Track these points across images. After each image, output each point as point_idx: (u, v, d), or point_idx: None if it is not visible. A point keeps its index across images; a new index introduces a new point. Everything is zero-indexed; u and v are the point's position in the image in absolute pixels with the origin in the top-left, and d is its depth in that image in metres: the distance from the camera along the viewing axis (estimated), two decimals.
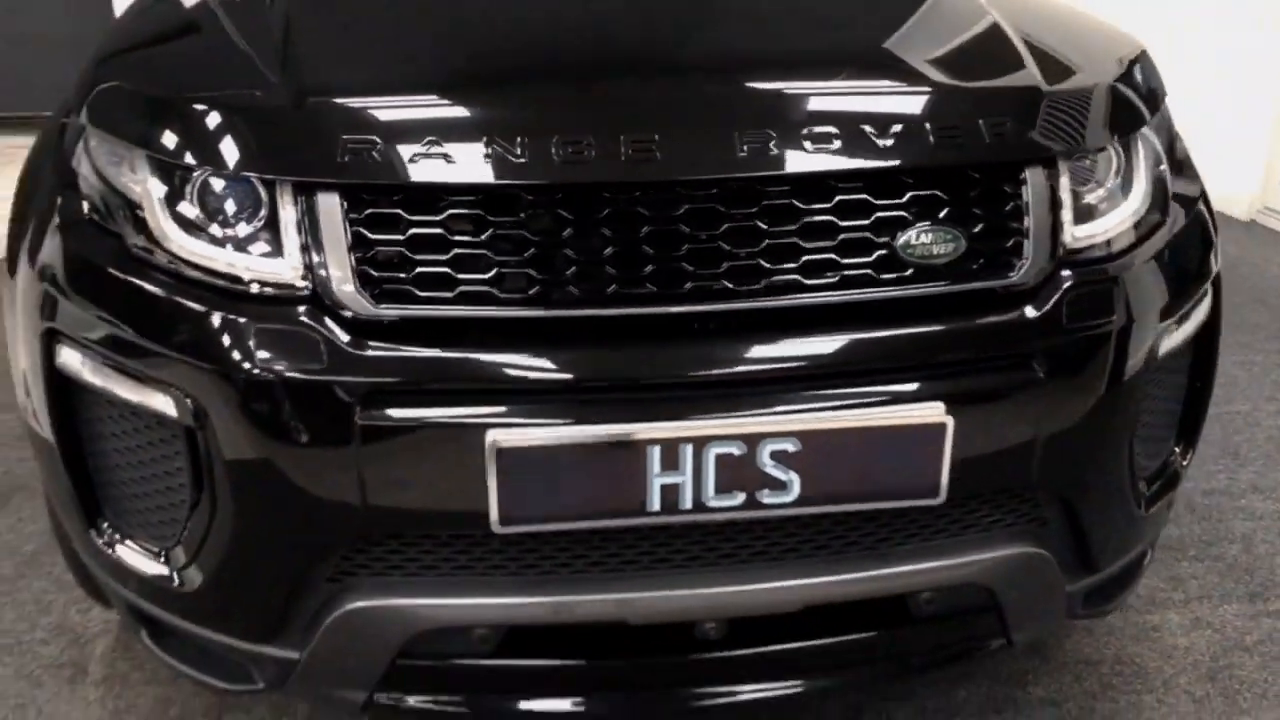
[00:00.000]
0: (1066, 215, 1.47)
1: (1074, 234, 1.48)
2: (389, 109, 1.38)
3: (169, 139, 1.40)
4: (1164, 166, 1.65)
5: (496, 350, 1.32)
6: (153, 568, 1.51)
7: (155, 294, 1.38)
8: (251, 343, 1.32)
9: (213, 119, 1.39)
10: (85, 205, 1.50)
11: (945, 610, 1.54)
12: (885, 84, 1.52)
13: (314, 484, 1.34)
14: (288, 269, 1.34)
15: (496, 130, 1.32)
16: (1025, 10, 1.84)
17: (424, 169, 1.31)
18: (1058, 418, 1.45)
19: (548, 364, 1.32)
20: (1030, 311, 1.42)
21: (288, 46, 1.51)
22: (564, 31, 1.69)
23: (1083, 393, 1.46)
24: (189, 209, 1.40)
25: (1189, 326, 1.64)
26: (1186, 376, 1.74)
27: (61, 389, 1.50)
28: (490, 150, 1.31)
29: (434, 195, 1.33)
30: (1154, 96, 1.69)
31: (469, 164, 1.31)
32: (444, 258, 1.33)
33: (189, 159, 1.38)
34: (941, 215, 1.40)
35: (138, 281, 1.40)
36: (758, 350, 1.36)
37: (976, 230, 1.42)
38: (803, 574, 1.43)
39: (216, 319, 1.34)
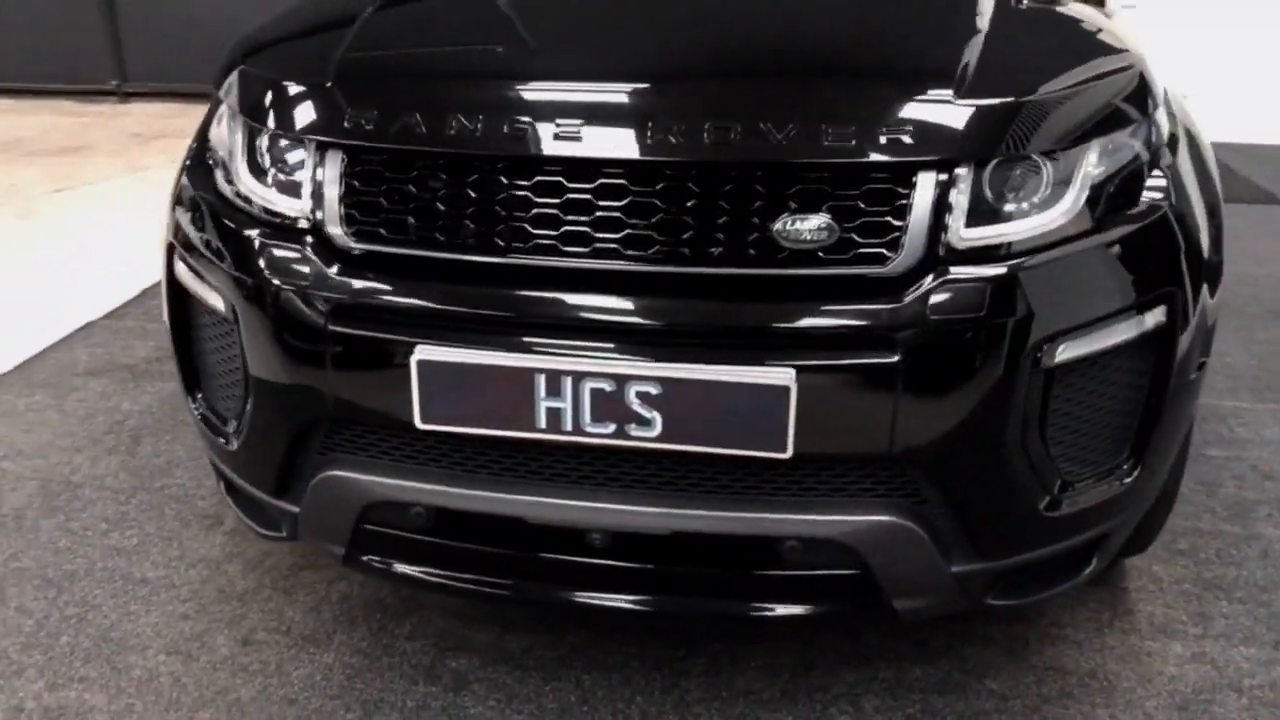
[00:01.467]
0: (957, 217, 1.60)
1: (962, 235, 1.60)
2: (382, 92, 1.76)
3: (252, 106, 1.86)
4: (1103, 178, 1.70)
5: (430, 283, 1.67)
6: (217, 432, 1.99)
7: (222, 219, 1.85)
8: (263, 259, 1.75)
9: (279, 92, 1.84)
10: (207, 154, 2.00)
11: (818, 564, 1.71)
12: (801, 83, 1.71)
13: (301, 374, 1.75)
14: (301, 208, 1.76)
15: (449, 111, 1.67)
16: (1026, 20, 1.94)
17: (399, 138, 1.68)
18: (917, 401, 1.59)
19: (466, 299, 1.65)
20: (896, 300, 1.58)
21: (350, 42, 1.93)
22: (527, 38, 2.00)
23: (947, 381, 1.59)
24: (258, 158, 1.85)
25: (1109, 339, 1.69)
26: (1134, 390, 1.78)
27: (173, 289, 2.01)
28: (444, 127, 1.66)
29: (407, 159, 1.69)
30: (1117, 114, 1.75)
31: (430, 136, 1.67)
32: (405, 209, 1.69)
33: (261, 121, 1.84)
34: (823, 207, 1.59)
35: (216, 208, 1.87)
36: (635, 304, 1.61)
37: (856, 223, 1.59)
38: (670, 504, 1.66)
39: (252, 241, 1.79)
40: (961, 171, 1.61)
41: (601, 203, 1.62)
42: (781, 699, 2.04)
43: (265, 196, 1.82)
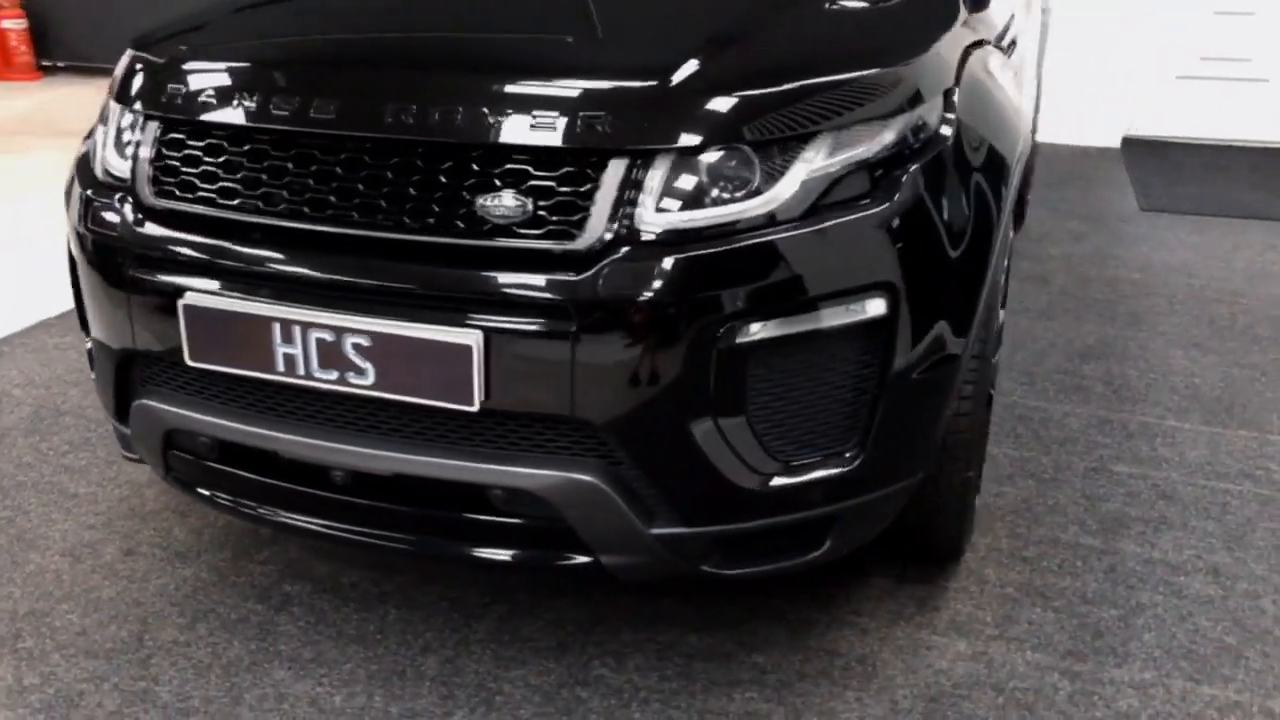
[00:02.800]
0: (648, 201, 1.72)
1: (654, 218, 1.72)
2: (186, 73, 2.01)
3: (117, 87, 2.15)
4: (824, 171, 1.77)
5: (200, 238, 1.91)
6: (90, 364, 2.30)
7: (80, 181, 2.16)
8: (90, 212, 2.04)
9: (129, 73, 2.12)
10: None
11: (525, 514, 1.85)
12: (519, 76, 1.85)
13: (116, 313, 2.03)
14: (127, 169, 2.04)
15: (229, 93, 1.91)
16: (797, 18, 2.04)
17: (191, 111, 1.93)
18: (595, 368, 1.72)
19: (225, 253, 1.89)
20: (576, 274, 1.71)
21: (186, 35, 2.20)
22: (310, 34, 2.26)
23: (624, 352, 1.71)
24: (113, 132, 2.14)
25: (812, 324, 1.76)
26: (854, 379, 1.85)
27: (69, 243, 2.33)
28: (224, 105, 1.90)
29: (201, 130, 1.94)
30: (852, 111, 1.81)
31: (216, 112, 1.91)
32: (194, 172, 1.94)
33: (117, 98, 2.13)
34: (522, 186, 1.74)
35: (84, 173, 2.18)
36: (358, 265, 1.81)
37: (551, 202, 1.73)
38: (387, 448, 1.85)
39: (89, 197, 2.08)
40: (658, 159, 1.73)
41: (341, 173, 1.82)
42: (555, 649, 2.19)
43: (108, 160, 2.11)
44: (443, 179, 1.77)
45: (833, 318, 1.79)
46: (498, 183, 1.75)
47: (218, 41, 2.23)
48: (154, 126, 2.00)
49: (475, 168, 1.76)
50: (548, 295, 1.72)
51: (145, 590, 2.38)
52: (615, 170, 1.72)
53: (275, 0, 2.51)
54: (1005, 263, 2.27)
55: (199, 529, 2.59)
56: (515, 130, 1.74)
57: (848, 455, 1.88)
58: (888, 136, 1.85)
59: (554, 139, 1.73)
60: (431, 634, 2.24)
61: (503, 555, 1.91)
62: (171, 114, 1.97)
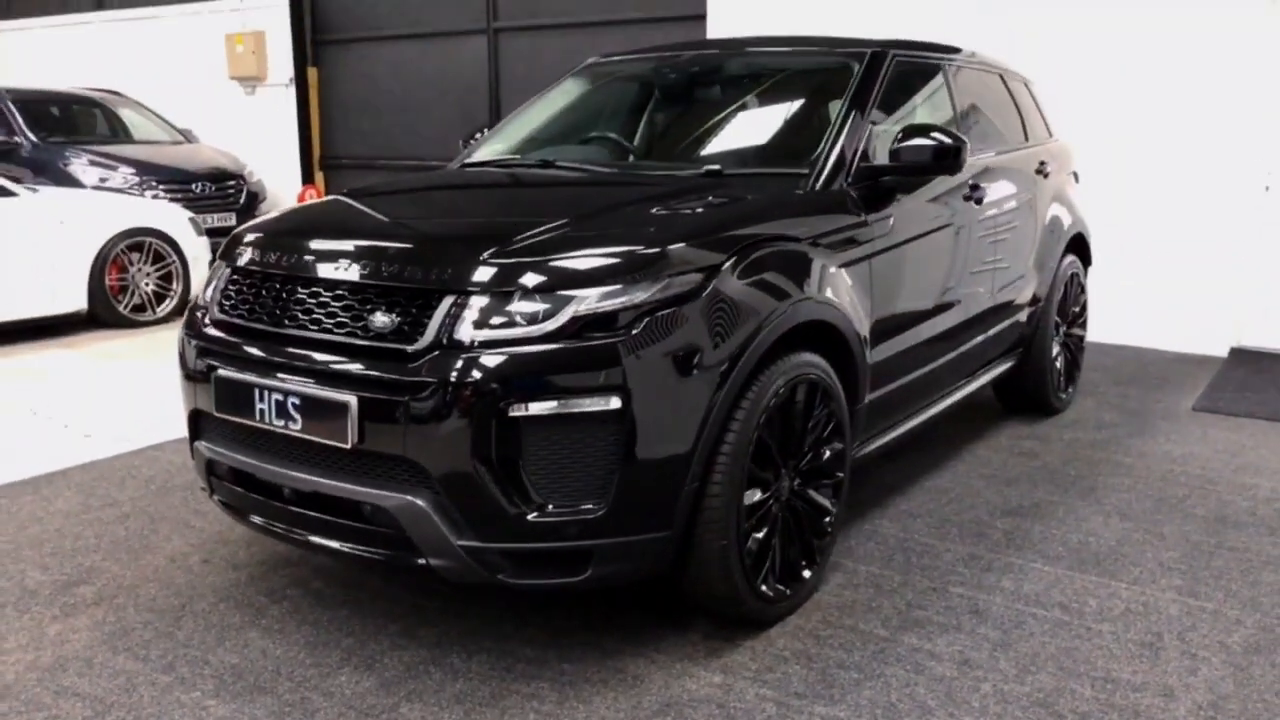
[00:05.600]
0: (466, 321, 2.72)
1: (468, 333, 2.70)
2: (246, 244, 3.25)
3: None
4: (587, 313, 2.70)
5: (228, 337, 3.09)
6: None
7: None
8: (189, 323, 3.30)
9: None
10: None
11: (388, 524, 2.81)
12: (406, 244, 2.94)
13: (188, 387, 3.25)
14: (208, 298, 3.29)
15: (266, 251, 3.12)
16: (620, 214, 3.04)
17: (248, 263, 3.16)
18: (419, 423, 2.69)
19: (235, 347, 3.05)
20: (414, 364, 2.72)
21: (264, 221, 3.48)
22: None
23: (435, 414, 2.68)
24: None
25: (566, 409, 2.66)
26: (597, 452, 2.70)
27: None
28: (265, 259, 3.12)
29: (248, 274, 3.16)
30: (612, 275, 2.75)
31: (260, 263, 3.13)
32: (241, 292, 3.15)
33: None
34: (393, 310, 2.80)
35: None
36: (295, 352, 2.90)
37: (406, 320, 2.78)
38: (301, 470, 2.89)
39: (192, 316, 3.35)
40: (474, 296, 2.74)
41: (306, 298, 2.96)
42: (431, 644, 3.08)
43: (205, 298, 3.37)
44: (353, 302, 2.87)
45: (580, 405, 2.68)
46: (380, 307, 2.82)
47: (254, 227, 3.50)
48: (225, 272, 3.25)
49: (372, 298, 2.84)
50: (392, 376, 2.73)
51: (204, 581, 3.50)
52: (445, 302, 2.74)
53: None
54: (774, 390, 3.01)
55: (257, 553, 3.71)
56: (393, 275, 2.81)
57: (590, 506, 2.72)
58: (639, 295, 2.76)
59: (412, 281, 2.78)
60: (341, 606, 3.20)
61: (380, 554, 2.86)
62: (235, 264, 3.21)
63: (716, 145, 4.05)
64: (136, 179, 9.58)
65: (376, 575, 3.48)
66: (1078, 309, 5.61)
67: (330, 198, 3.92)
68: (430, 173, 4.71)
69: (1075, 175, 5.70)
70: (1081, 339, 5.72)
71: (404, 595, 3.36)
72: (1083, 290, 5.66)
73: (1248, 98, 6.69)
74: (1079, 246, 5.56)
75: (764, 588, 3.08)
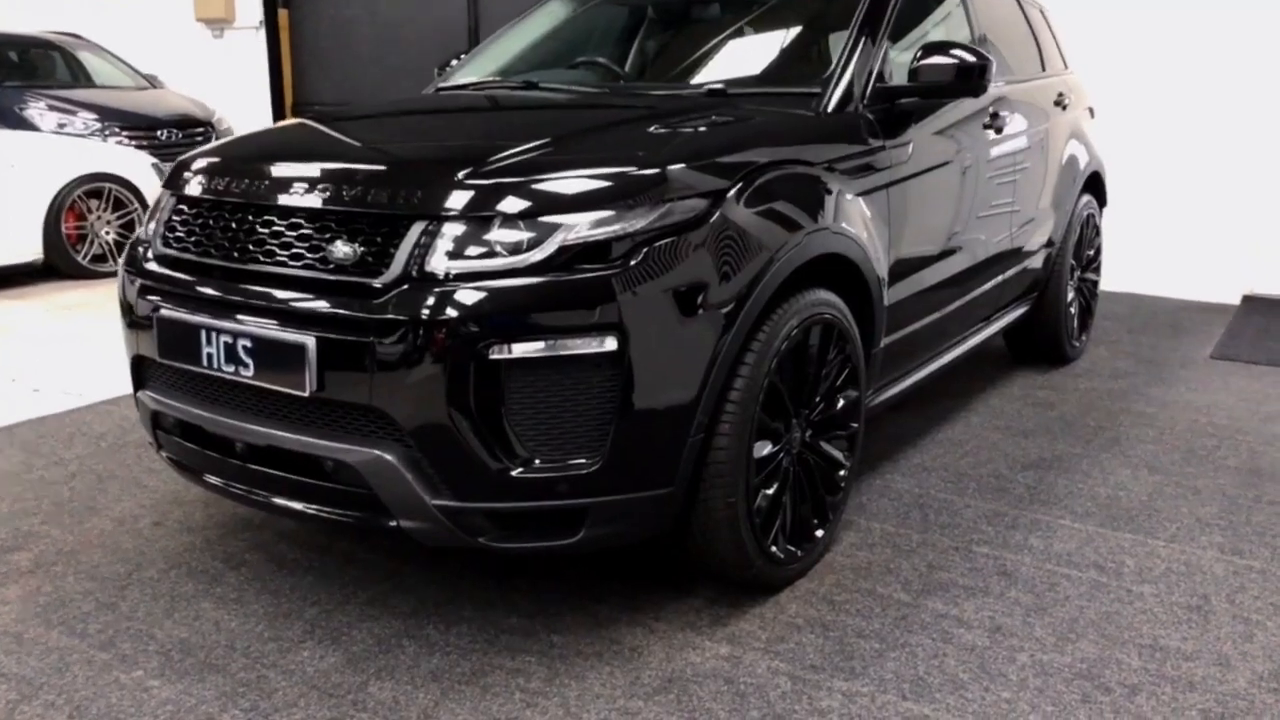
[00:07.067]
0: (439, 251, 2.38)
1: (443, 264, 2.36)
2: (196, 160, 2.89)
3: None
4: (577, 241, 2.36)
5: (171, 272, 2.74)
6: None
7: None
8: (129, 258, 2.94)
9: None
10: None
11: (351, 480, 2.48)
12: (370, 166, 2.59)
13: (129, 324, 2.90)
14: (151, 231, 2.93)
15: (216, 176, 2.76)
16: (600, 132, 2.70)
17: (196, 190, 2.80)
18: (388, 369, 2.36)
19: (180, 283, 2.70)
20: (379, 300, 2.38)
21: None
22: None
23: (406, 358, 2.34)
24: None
25: (555, 350, 2.32)
26: (593, 398, 2.38)
27: None
28: (211, 187, 2.76)
29: (194, 202, 2.81)
30: (602, 201, 2.40)
31: (211, 190, 2.77)
32: (185, 225, 2.80)
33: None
34: (355, 238, 2.45)
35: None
36: (247, 288, 2.55)
37: (371, 250, 2.43)
38: (255, 423, 2.56)
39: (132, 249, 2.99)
40: (448, 223, 2.39)
41: (259, 228, 2.61)
42: (408, 613, 2.77)
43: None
44: (310, 231, 2.52)
45: (570, 347, 2.35)
46: (341, 236, 2.47)
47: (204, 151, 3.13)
48: (170, 201, 2.89)
49: (330, 225, 2.49)
50: (357, 314, 2.39)
51: (154, 546, 3.17)
52: (414, 230, 2.40)
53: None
54: (789, 330, 2.70)
55: (216, 514, 3.38)
56: (356, 200, 2.47)
57: (584, 460, 2.40)
58: (636, 222, 2.42)
59: (376, 207, 2.44)
60: (324, 593, 2.89)
61: (348, 516, 2.53)
62: (181, 191, 2.85)
63: (718, 65, 3.68)
64: (99, 124, 9.11)
65: (346, 538, 3.16)
66: (1092, 252, 5.30)
67: (292, 120, 3.55)
68: (402, 98, 4.34)
69: (1091, 110, 5.36)
70: (1095, 284, 5.42)
71: (377, 560, 3.04)
72: (1098, 232, 5.36)
73: (1268, 40, 6.36)
74: (1095, 186, 5.24)
75: (774, 549, 2.78)
